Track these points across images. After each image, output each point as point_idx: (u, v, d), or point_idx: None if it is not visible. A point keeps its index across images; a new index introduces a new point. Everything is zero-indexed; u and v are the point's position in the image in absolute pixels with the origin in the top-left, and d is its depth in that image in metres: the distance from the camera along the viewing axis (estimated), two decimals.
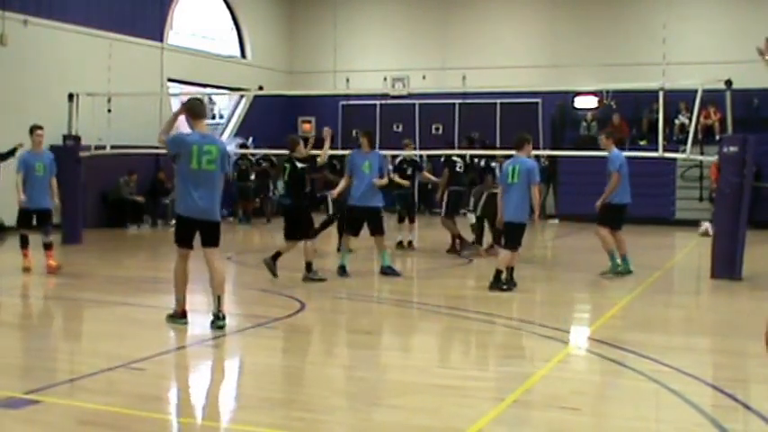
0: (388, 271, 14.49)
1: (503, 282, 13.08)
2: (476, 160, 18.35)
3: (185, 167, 9.82)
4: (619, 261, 14.65)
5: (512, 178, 13.21)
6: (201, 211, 9.93)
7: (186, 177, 9.87)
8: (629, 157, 22.41)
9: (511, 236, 13.29)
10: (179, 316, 10.32)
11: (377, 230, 14.59)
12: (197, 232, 10.12)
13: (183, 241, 10.16)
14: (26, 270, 14.49)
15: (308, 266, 13.97)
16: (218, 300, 10.10)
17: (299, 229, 13.86)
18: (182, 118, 10.25)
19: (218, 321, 10.04)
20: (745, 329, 10.85)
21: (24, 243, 14.81)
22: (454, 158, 18.17)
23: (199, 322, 11.23)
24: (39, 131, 15.12)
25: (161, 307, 11.49)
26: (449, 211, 17.75)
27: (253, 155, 27.32)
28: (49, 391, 7.24)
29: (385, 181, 15.08)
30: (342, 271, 14.41)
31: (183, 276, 10.24)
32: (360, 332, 10.62)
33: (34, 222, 15.06)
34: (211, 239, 10.11)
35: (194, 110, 10.02)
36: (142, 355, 8.70)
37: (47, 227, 14.90)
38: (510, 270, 13.20)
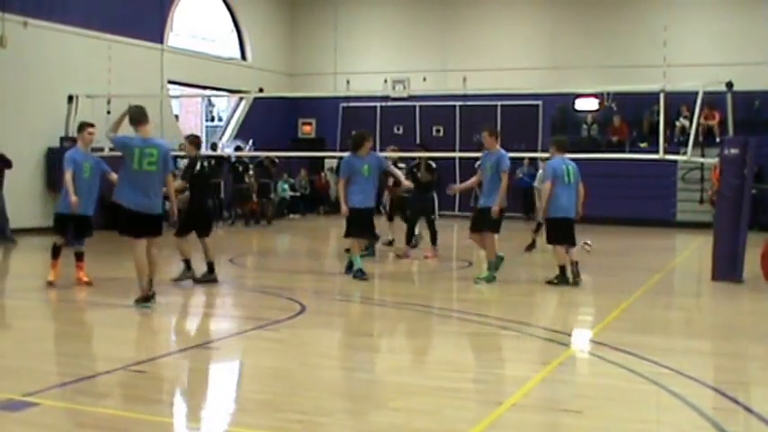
0: (358, 274, 14.23)
1: (571, 276, 13.93)
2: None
3: (129, 168, 11.16)
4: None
5: (568, 178, 13.91)
6: (147, 206, 11.24)
7: (130, 176, 11.17)
8: (630, 160, 22.59)
9: (562, 232, 14.04)
10: (146, 300, 11.33)
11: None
12: (148, 224, 11.39)
13: (138, 233, 11.31)
14: (50, 284, 13.20)
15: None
16: (150, 282, 11.37)
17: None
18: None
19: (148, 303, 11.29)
20: (747, 332, 10.85)
21: (56, 253, 13.43)
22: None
23: (199, 324, 11.26)
24: (90, 129, 13.52)
25: (161, 310, 11.48)
26: None
27: (250, 157, 27.21)
28: (48, 393, 7.21)
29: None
30: (360, 273, 14.24)
31: (146, 262, 11.37)
32: (360, 334, 10.60)
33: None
34: (152, 230, 11.44)
35: (132, 117, 11.29)
36: (142, 358, 8.71)
37: (84, 236, 13.71)
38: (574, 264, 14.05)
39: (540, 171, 17.76)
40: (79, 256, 13.56)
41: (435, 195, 17.58)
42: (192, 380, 8.24)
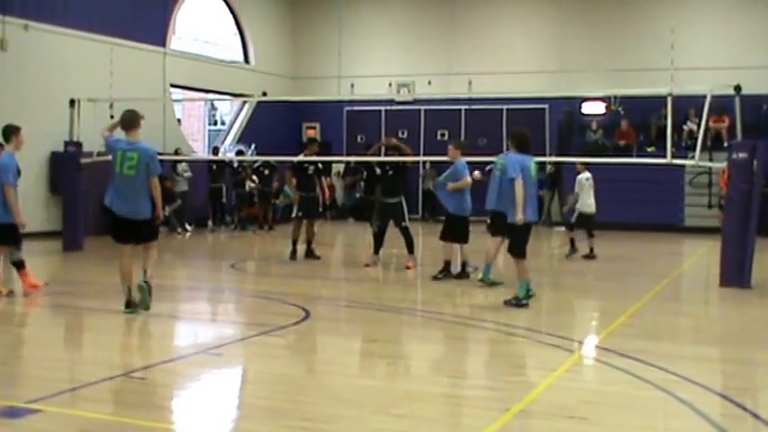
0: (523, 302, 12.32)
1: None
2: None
3: (113, 170, 11.22)
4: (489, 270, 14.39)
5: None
6: (127, 210, 11.20)
7: (114, 180, 11.22)
8: (637, 164, 22.50)
9: (463, 230, 14.90)
10: (128, 305, 11.24)
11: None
12: (130, 229, 11.32)
13: (120, 238, 11.40)
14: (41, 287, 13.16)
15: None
16: (145, 272, 11.35)
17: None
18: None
19: (142, 284, 11.27)
20: (754, 338, 10.77)
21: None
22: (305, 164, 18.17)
23: (202, 330, 11.19)
24: (22, 132, 13.29)
25: (163, 315, 11.43)
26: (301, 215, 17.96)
27: (252, 162, 27.08)
28: (50, 400, 7.16)
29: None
30: (519, 301, 12.28)
31: (128, 270, 11.33)
32: (364, 340, 10.53)
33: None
34: (143, 235, 11.40)
35: (123, 121, 11.36)
36: (144, 364, 8.70)
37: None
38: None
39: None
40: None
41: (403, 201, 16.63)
42: (194, 386, 8.18)
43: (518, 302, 12.11)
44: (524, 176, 12.16)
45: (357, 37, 32.51)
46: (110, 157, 11.40)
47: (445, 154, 15.83)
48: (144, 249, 11.45)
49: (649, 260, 19.81)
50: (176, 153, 26.05)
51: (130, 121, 11.31)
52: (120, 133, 11.58)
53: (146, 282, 11.25)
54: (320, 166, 18.23)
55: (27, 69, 21.98)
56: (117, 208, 11.21)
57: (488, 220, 14.45)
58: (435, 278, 14.89)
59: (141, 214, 11.27)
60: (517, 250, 12.33)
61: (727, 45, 27.77)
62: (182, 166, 25.72)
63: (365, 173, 17.94)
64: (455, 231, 14.94)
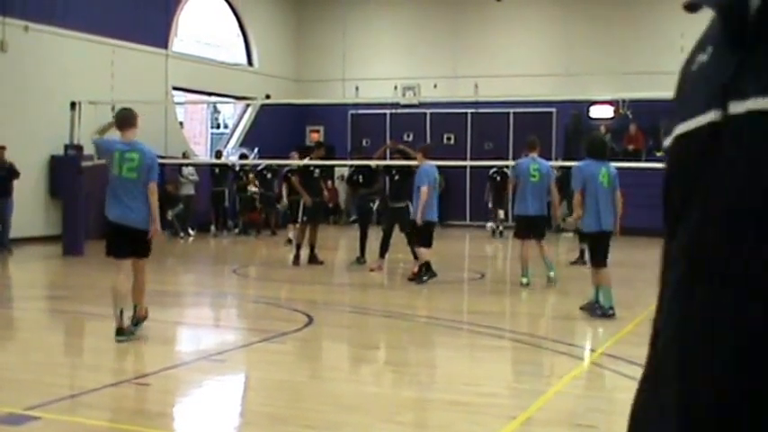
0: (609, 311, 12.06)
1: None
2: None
3: (110, 174, 10.09)
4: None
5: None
6: (126, 216, 9.95)
7: (112, 184, 10.09)
8: (647, 169, 22.37)
9: (430, 234, 15.25)
10: (119, 332, 9.88)
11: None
12: (128, 240, 10.05)
13: (116, 251, 10.08)
14: None
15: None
16: (134, 308, 10.08)
17: None
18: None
19: (130, 328, 10.02)
20: None
21: None
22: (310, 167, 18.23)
23: (204, 336, 11.12)
24: None
25: (165, 321, 11.38)
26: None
27: (255, 165, 26.97)
28: (51, 406, 7.08)
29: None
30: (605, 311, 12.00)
31: (123, 290, 9.99)
32: (368, 347, 10.51)
33: None
34: (137, 248, 10.07)
35: (118, 120, 10.30)
36: (146, 371, 8.64)
37: None
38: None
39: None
40: None
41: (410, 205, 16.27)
42: (196, 393, 8.15)
43: (604, 312, 11.96)
44: (587, 185, 11.90)
45: (361, 39, 32.43)
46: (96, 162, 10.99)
47: (451, 158, 15.82)
48: (134, 270, 10.14)
49: (656, 266, 19.69)
50: (184, 156, 26.00)
51: (127, 119, 10.19)
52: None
53: (133, 319, 10.10)
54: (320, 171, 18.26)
55: (27, 71, 21.85)
56: (114, 214, 10.00)
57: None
58: (421, 281, 15.01)
59: (139, 223, 10.02)
60: (592, 258, 12.48)
61: None
62: (188, 170, 25.60)
63: (359, 176, 17.94)
64: (422, 236, 15.15)
